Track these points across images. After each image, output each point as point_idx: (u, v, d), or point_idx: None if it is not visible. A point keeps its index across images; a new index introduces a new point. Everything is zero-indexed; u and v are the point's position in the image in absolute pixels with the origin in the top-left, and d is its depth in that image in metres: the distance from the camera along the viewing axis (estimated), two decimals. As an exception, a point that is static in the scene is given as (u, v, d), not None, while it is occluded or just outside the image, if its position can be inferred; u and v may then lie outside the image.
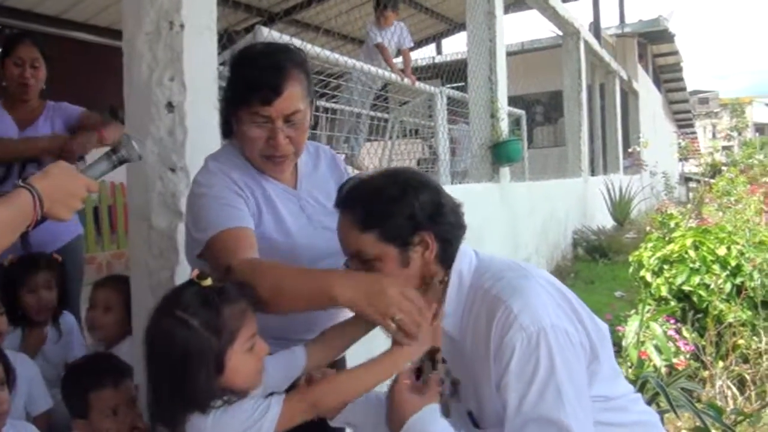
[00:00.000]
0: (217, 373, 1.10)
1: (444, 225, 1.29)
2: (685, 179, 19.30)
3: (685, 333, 3.42)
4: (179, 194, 1.87)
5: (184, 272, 1.77)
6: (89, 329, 2.24)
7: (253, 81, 1.39)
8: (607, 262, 7.14)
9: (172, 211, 1.89)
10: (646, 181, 12.01)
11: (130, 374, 1.72)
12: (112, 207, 5.86)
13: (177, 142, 1.89)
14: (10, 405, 1.62)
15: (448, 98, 5.12)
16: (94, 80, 5.56)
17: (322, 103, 4.13)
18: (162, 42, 1.90)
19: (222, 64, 2.14)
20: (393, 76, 4.58)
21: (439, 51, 12.22)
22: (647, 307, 3.34)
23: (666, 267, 4.01)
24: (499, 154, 5.21)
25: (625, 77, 12.23)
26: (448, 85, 5.56)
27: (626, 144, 12.23)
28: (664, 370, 3.02)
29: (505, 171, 5.48)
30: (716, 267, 3.81)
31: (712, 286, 3.72)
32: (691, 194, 14.18)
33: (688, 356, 3.23)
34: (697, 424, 2.36)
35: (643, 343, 3.12)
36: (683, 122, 23.63)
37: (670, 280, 3.89)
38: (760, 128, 43.82)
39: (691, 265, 3.88)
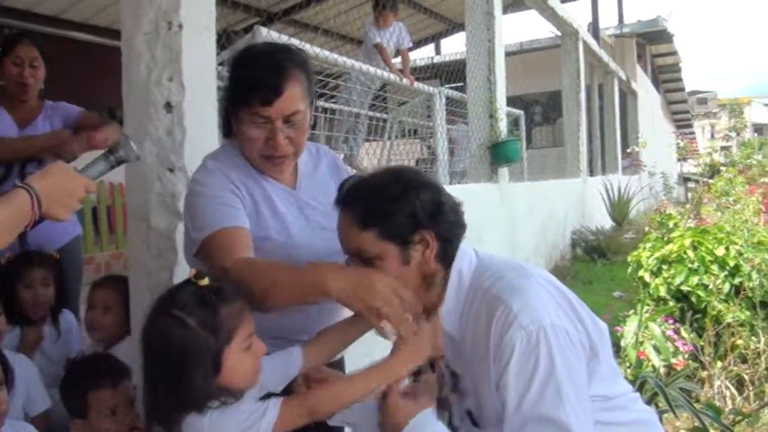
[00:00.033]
0: (214, 372, 1.10)
1: (444, 224, 1.30)
2: (684, 179, 19.30)
3: (683, 333, 3.43)
4: (178, 194, 1.86)
5: (182, 272, 1.77)
6: (88, 330, 2.24)
7: (253, 81, 1.39)
8: (606, 263, 7.15)
9: (170, 211, 1.89)
10: (645, 181, 12.01)
11: (128, 374, 1.72)
12: (110, 207, 5.86)
13: (176, 143, 1.89)
14: (8, 405, 1.62)
15: (447, 98, 5.12)
16: (93, 80, 5.56)
17: (320, 103, 4.13)
18: (160, 42, 1.90)
19: (221, 64, 2.14)
20: (392, 76, 4.58)
21: (437, 51, 12.22)
22: (646, 308, 3.34)
23: (664, 267, 4.01)
24: (498, 155, 5.21)
25: (623, 77, 12.24)
26: (447, 86, 5.56)
27: (625, 144, 12.23)
28: (662, 370, 3.02)
29: (504, 171, 5.49)
30: (715, 267, 3.81)
31: (711, 286, 3.72)
32: (689, 194, 14.17)
33: (686, 356, 3.24)
34: (696, 424, 2.37)
35: (641, 343, 3.12)
36: (682, 122, 23.64)
37: (669, 280, 3.89)
38: (758, 128, 43.87)
39: (690, 266, 3.88)
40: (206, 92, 1.99)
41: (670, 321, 3.44)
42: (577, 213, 8.35)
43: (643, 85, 14.29)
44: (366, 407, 1.30)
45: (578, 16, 8.82)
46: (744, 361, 3.29)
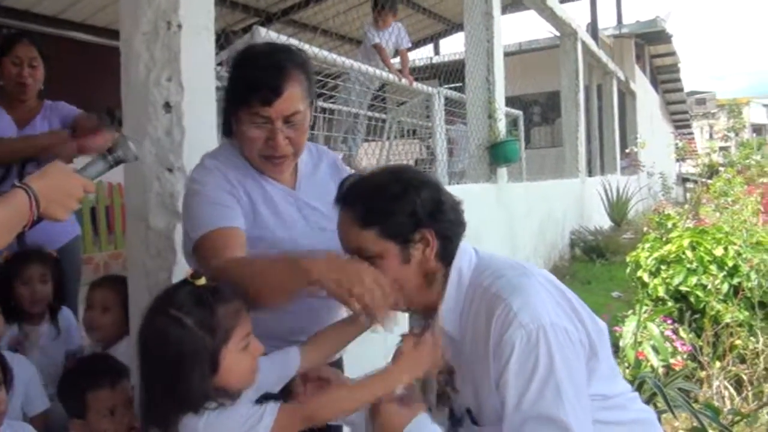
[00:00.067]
0: (212, 372, 1.09)
1: (444, 222, 1.30)
2: (683, 180, 19.31)
3: (682, 333, 3.43)
4: (177, 194, 1.86)
5: (181, 272, 1.75)
6: (87, 330, 2.23)
7: (253, 81, 1.39)
8: (605, 263, 7.15)
9: (169, 211, 1.89)
10: (644, 181, 12.02)
11: (127, 375, 1.72)
12: (109, 207, 5.85)
13: (174, 143, 1.89)
14: (7, 405, 1.62)
15: (446, 99, 5.12)
16: (92, 80, 5.55)
17: (319, 103, 4.13)
18: (159, 42, 1.90)
19: (219, 64, 2.14)
20: (391, 76, 4.58)
21: (436, 51, 12.22)
22: (644, 308, 3.33)
23: (663, 267, 4.00)
24: (497, 155, 5.22)
25: (622, 78, 12.25)
26: (446, 86, 5.56)
27: (623, 144, 12.24)
28: (661, 370, 3.02)
29: (503, 171, 5.49)
30: (713, 267, 3.82)
31: (709, 286, 3.72)
32: (688, 195, 14.19)
33: (685, 357, 3.24)
34: (695, 424, 2.37)
35: (640, 343, 3.12)
36: (680, 123, 23.64)
37: (667, 280, 3.89)
38: (757, 129, 43.88)
39: (689, 266, 3.88)
40: (205, 92, 1.99)
41: (669, 321, 3.45)
42: (576, 213, 8.36)
43: (641, 85, 14.30)
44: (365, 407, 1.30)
45: (577, 16, 8.85)
46: (743, 361, 3.29)
